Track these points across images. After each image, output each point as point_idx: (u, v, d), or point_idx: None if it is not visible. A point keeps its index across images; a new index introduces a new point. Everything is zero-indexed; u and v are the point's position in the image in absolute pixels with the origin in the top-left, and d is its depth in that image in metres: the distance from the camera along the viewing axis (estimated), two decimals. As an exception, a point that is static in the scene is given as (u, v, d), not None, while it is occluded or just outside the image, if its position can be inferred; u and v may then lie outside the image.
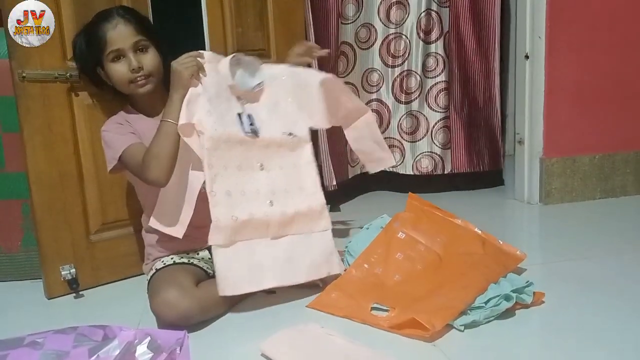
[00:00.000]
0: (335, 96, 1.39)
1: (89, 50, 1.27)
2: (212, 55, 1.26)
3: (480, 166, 2.29)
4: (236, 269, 1.17)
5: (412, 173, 2.28)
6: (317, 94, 1.35)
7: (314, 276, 1.26)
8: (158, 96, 1.30)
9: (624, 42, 2.01)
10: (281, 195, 1.27)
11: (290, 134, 1.32)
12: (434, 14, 2.19)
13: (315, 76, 1.38)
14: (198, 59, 1.20)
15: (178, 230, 1.21)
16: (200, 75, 1.20)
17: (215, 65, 1.25)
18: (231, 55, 1.28)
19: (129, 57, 1.24)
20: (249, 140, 1.25)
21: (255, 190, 1.24)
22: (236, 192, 1.21)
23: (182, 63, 1.18)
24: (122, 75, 1.25)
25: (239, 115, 1.26)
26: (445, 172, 2.30)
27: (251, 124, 1.27)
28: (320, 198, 1.32)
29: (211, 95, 1.21)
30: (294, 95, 1.35)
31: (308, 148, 1.35)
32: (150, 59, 1.26)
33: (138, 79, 1.25)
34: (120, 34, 1.23)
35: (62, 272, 1.34)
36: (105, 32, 1.23)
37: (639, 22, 2.01)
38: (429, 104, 2.25)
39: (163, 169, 1.17)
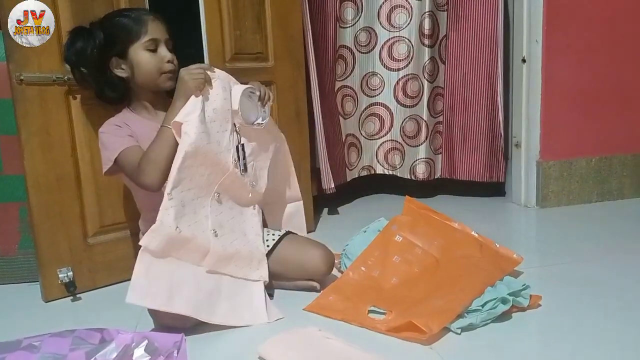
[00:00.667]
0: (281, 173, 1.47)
1: (115, 37, 1.25)
2: (225, 75, 1.27)
3: (475, 176, 2.23)
4: (152, 281, 1.08)
5: (408, 177, 2.28)
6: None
7: (232, 321, 1.16)
8: (160, 100, 1.31)
9: (620, 46, 2.02)
10: (226, 231, 1.24)
11: (252, 184, 1.32)
12: (434, 18, 2.18)
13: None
14: (208, 72, 1.21)
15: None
16: (207, 87, 1.20)
17: (225, 85, 1.25)
18: (248, 85, 1.29)
19: (164, 49, 1.26)
20: (220, 167, 1.22)
21: (205, 215, 1.20)
22: (189, 208, 1.16)
23: (191, 73, 1.18)
24: (156, 64, 1.26)
25: (238, 148, 1.27)
26: (436, 177, 2.28)
27: (244, 158, 1.28)
28: (261, 247, 1.31)
29: (210, 109, 1.20)
30: (272, 156, 1.40)
31: (258, 205, 1.35)
32: (175, 58, 1.29)
33: (170, 71, 1.26)
34: (159, 26, 1.27)
35: (60, 275, 1.34)
36: (146, 21, 1.25)
37: (634, 25, 2.03)
38: (428, 108, 2.25)
39: (158, 174, 1.16)
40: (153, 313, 1.13)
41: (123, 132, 1.26)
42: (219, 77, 1.24)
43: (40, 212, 1.32)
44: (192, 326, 1.13)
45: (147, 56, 1.26)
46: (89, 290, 1.40)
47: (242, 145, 1.28)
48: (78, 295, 1.38)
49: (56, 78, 1.31)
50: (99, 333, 0.84)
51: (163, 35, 1.27)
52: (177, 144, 1.16)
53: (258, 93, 1.30)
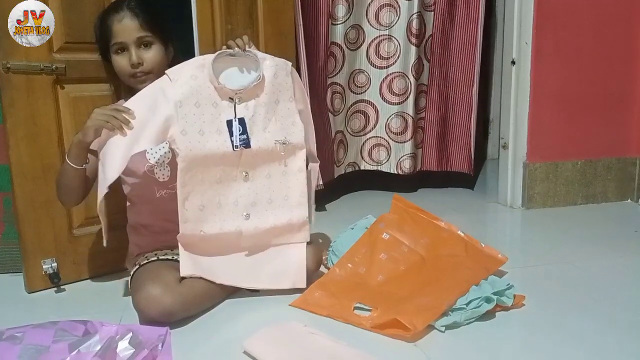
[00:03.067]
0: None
1: (100, 38, 1.29)
2: (176, 71, 1.17)
3: (448, 167, 2.36)
4: (195, 259, 1.20)
5: (394, 172, 2.31)
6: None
7: (273, 285, 1.25)
8: None
9: (609, 50, 2.05)
10: (262, 207, 1.24)
11: (284, 142, 1.24)
12: (422, 18, 2.21)
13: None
14: (123, 124, 1.10)
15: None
16: (127, 125, 1.11)
17: (196, 71, 1.18)
18: (215, 55, 1.20)
19: (130, 51, 1.24)
20: (232, 154, 1.20)
21: (233, 202, 1.22)
22: (211, 206, 1.20)
23: (98, 112, 1.12)
24: (123, 68, 1.25)
25: (229, 123, 1.19)
26: (417, 170, 2.35)
27: (242, 133, 1.20)
28: (304, 211, 1.29)
29: (192, 105, 1.16)
30: (293, 93, 1.27)
31: (301, 155, 1.27)
32: (152, 55, 1.25)
33: (138, 74, 1.25)
34: (125, 27, 1.23)
35: (44, 266, 1.32)
36: (112, 23, 1.24)
37: (623, 30, 2.05)
38: (415, 106, 2.29)
39: (62, 196, 1.24)
40: (138, 309, 1.12)
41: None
42: (177, 76, 1.16)
43: (25, 202, 1.31)
44: (177, 320, 1.12)
45: (117, 59, 1.26)
46: (73, 282, 1.39)
47: (240, 119, 1.20)
48: (62, 287, 1.36)
49: (44, 67, 1.29)
50: (82, 325, 0.84)
51: (130, 35, 1.23)
52: (72, 175, 1.16)
53: (234, 48, 1.22)
